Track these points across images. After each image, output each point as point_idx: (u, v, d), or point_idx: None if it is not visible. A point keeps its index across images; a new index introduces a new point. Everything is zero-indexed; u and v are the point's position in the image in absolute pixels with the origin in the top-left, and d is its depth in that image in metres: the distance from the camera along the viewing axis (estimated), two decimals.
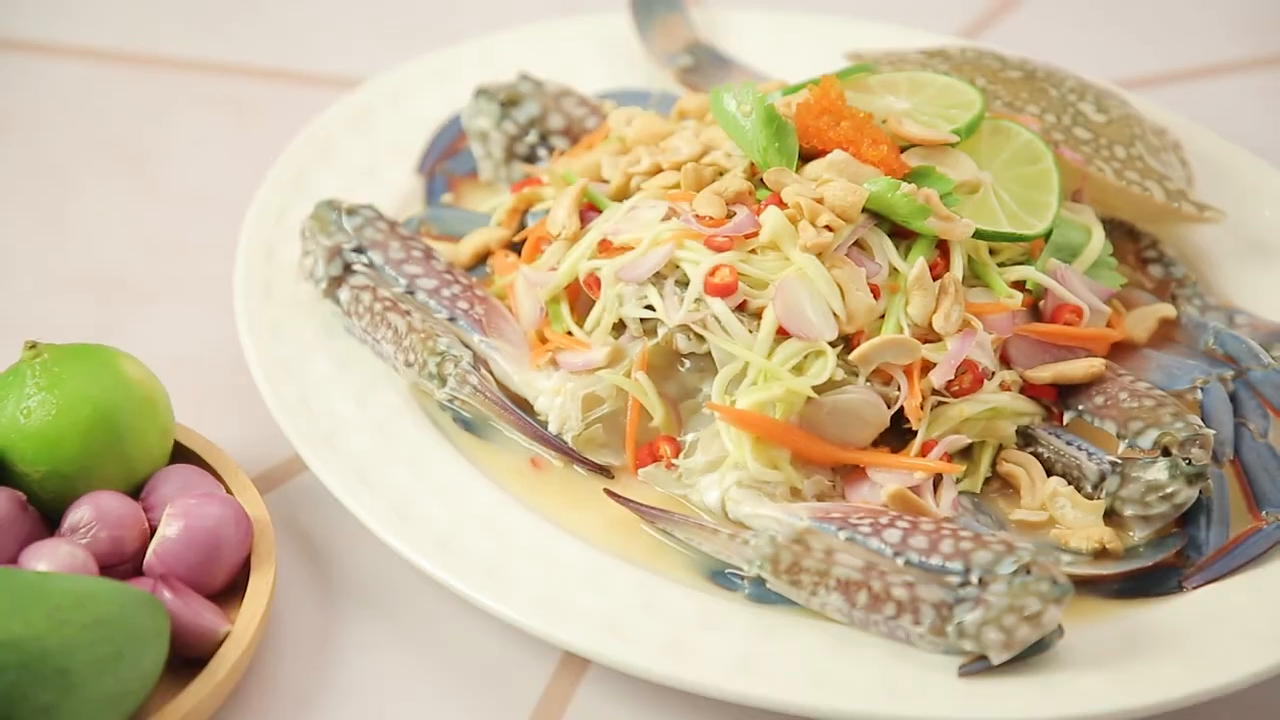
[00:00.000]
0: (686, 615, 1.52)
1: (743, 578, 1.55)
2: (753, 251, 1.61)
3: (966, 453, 1.64)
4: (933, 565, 1.48)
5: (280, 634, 1.56)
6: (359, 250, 1.75)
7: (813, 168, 1.65)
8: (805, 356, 1.58)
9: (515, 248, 1.80)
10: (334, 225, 1.76)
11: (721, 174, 1.69)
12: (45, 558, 1.46)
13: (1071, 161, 1.76)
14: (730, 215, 1.63)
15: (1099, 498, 1.60)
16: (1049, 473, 1.63)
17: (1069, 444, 1.63)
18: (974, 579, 1.46)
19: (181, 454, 1.64)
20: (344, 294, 1.74)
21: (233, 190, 1.99)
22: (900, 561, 1.49)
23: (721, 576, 1.56)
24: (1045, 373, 1.66)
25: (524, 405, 1.69)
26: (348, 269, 1.75)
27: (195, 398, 1.73)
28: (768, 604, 1.54)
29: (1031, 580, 1.45)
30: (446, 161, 1.96)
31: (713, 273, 1.59)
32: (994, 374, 1.63)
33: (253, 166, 1.99)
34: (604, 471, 1.66)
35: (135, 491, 1.58)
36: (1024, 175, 1.71)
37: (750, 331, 1.58)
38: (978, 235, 1.64)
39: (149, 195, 2.03)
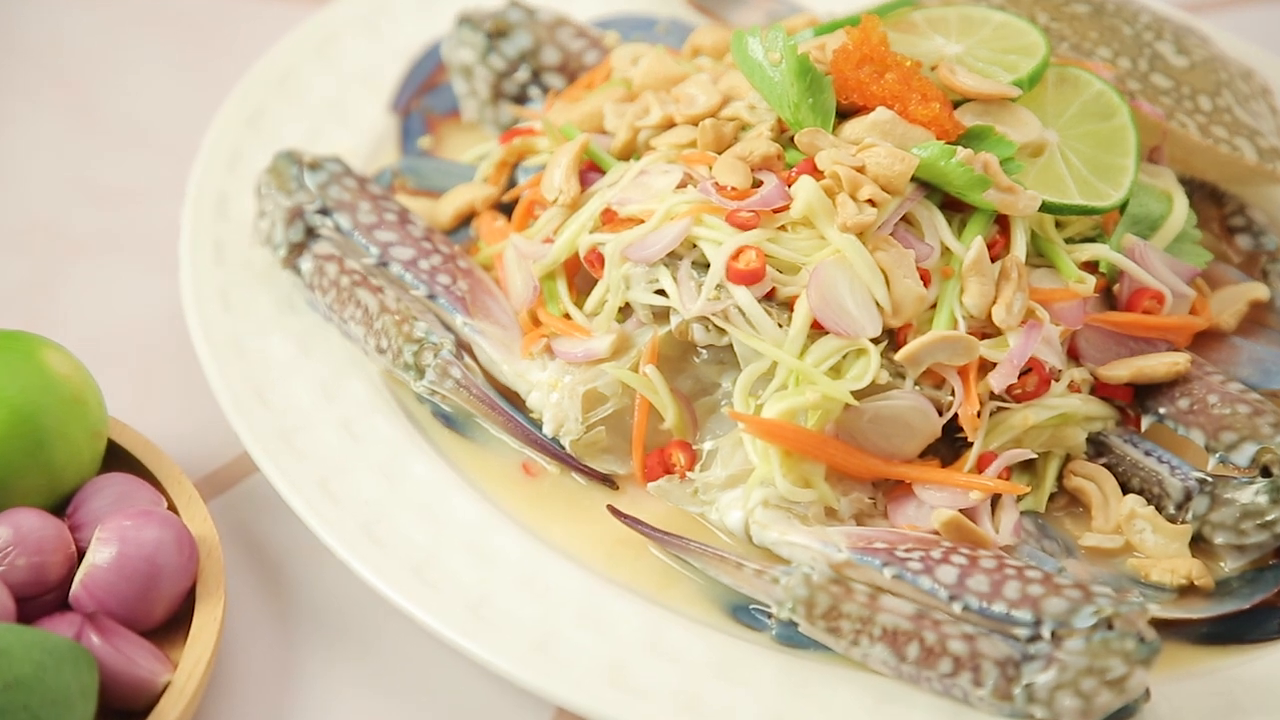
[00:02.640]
0: (702, 662, 1.41)
1: (770, 615, 1.43)
2: (782, 229, 1.49)
3: (1028, 464, 1.52)
4: (996, 613, 1.35)
5: (230, 677, 1.47)
6: (324, 212, 1.64)
7: (852, 128, 1.53)
8: (844, 356, 1.46)
9: (504, 208, 1.67)
10: (294, 182, 1.65)
11: (744, 129, 1.57)
12: None
13: (1150, 116, 1.64)
14: (756, 185, 1.51)
15: (1184, 520, 1.49)
16: (1124, 489, 1.52)
17: (1148, 455, 1.52)
18: (1045, 633, 1.34)
19: (115, 454, 1.54)
20: (306, 264, 1.62)
21: (182, 125, 1.90)
22: (958, 607, 1.37)
23: (744, 612, 1.45)
24: (1122, 370, 1.54)
25: (514, 398, 1.58)
26: (310, 234, 1.63)
27: (131, 377, 1.65)
28: (799, 647, 1.42)
29: (1114, 637, 1.32)
30: (424, 97, 1.84)
31: (736, 255, 1.47)
32: (1062, 373, 1.50)
33: (205, 97, 1.90)
34: (607, 482, 1.54)
35: (60, 507, 1.48)
36: (1095, 134, 1.58)
37: (780, 326, 1.46)
38: (1044, 208, 1.52)
39: (85, 129, 1.93)
